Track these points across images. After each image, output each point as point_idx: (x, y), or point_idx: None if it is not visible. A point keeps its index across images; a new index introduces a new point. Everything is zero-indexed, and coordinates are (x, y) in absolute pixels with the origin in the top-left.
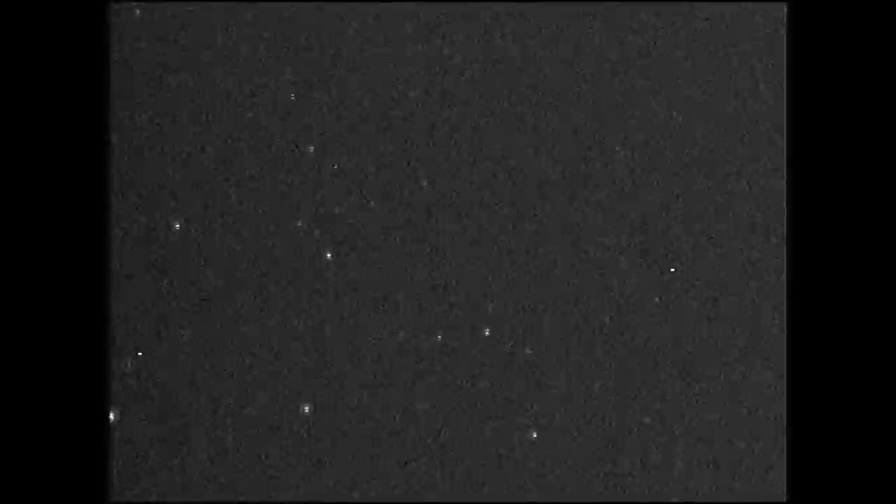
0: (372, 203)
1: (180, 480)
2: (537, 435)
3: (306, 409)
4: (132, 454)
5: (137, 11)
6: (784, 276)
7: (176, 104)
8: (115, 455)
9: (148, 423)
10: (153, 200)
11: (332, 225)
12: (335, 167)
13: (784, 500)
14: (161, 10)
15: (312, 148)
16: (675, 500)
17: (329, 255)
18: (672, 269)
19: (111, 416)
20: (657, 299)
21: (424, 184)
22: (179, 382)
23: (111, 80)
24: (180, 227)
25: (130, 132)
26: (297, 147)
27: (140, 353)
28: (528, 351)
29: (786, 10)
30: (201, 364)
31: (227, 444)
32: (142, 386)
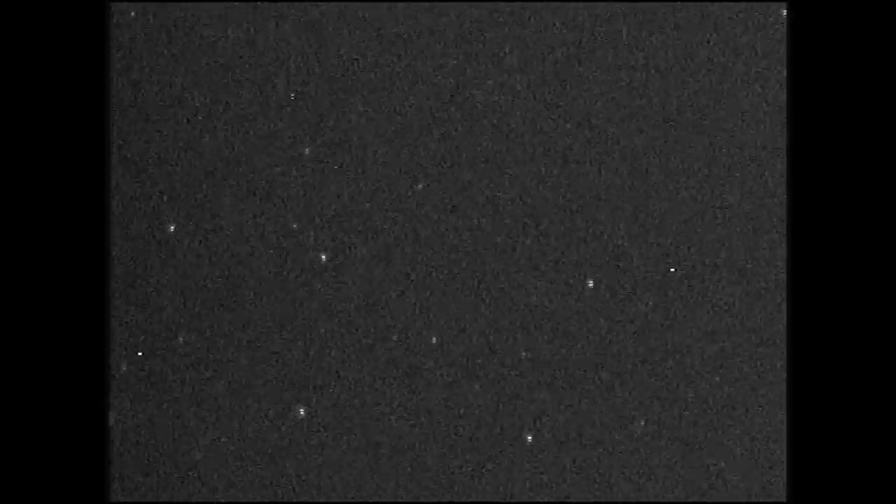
0: (367, 205)
1: (178, 481)
2: (532, 438)
3: (301, 411)
4: (131, 454)
5: (137, 11)
6: (784, 276)
7: (174, 105)
8: (114, 455)
9: (146, 423)
10: (151, 201)
11: (326, 227)
12: (331, 168)
13: (784, 500)
14: (161, 10)
15: (308, 150)
16: (674, 500)
17: (324, 257)
18: (672, 269)
19: (110, 417)
20: (655, 299)
21: (419, 186)
22: (176, 384)
23: (111, 80)
24: (175, 228)
25: (129, 133)
26: (292, 148)
27: (139, 354)
28: (523, 353)
29: (786, 10)
30: (198, 366)
31: (223, 446)
32: (140, 386)
